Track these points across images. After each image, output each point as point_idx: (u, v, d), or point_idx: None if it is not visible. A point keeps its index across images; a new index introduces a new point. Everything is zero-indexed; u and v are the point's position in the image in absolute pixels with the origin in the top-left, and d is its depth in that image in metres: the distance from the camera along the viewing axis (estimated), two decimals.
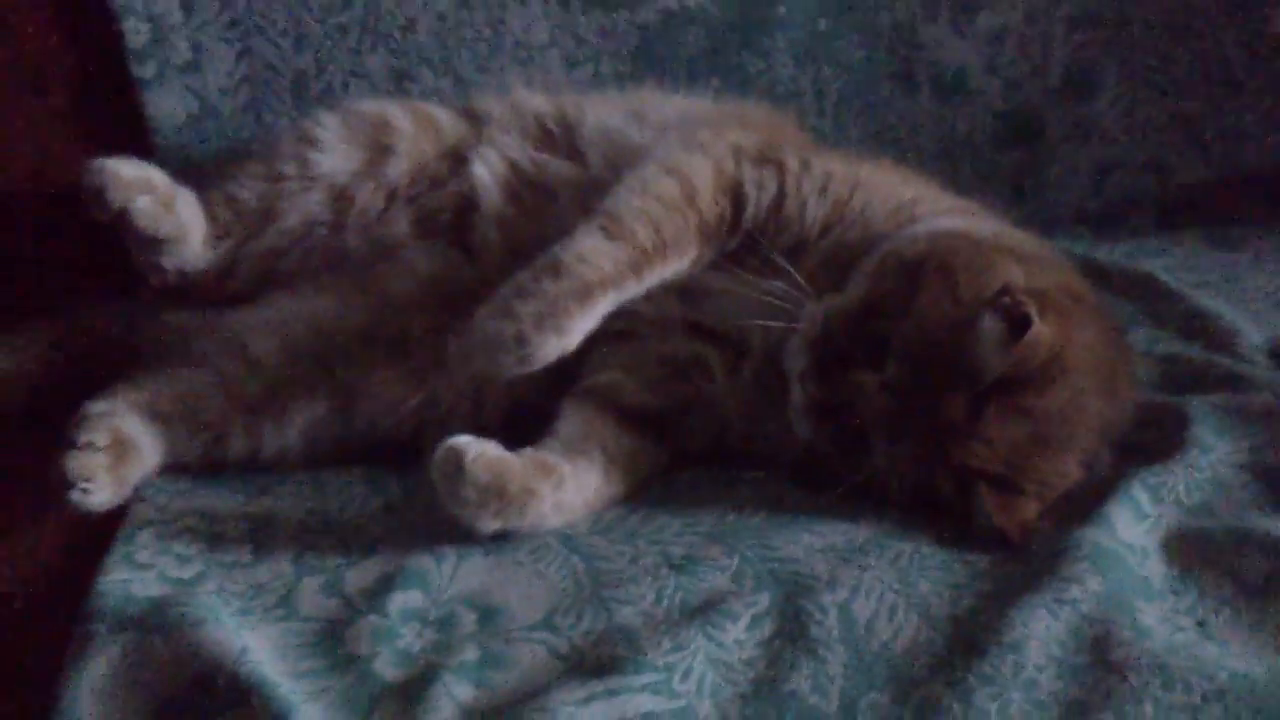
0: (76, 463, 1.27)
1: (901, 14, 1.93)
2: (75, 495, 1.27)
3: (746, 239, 1.38)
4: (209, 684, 1.05)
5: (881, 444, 1.24)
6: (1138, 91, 2.01)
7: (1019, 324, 1.19)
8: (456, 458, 1.19)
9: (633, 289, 1.32)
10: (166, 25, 1.68)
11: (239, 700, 1.03)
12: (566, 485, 1.26)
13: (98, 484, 1.28)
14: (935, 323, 1.22)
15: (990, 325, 1.20)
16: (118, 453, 1.32)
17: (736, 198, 1.39)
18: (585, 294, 1.27)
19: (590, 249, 1.29)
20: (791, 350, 1.29)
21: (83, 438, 1.30)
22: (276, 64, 1.74)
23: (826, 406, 1.26)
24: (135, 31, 1.67)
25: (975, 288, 1.24)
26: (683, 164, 1.38)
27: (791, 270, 1.31)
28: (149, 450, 1.37)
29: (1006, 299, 1.22)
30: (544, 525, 1.24)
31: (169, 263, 1.47)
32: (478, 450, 1.19)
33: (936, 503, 1.24)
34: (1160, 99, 2.02)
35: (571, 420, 1.35)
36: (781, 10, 1.88)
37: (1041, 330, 1.20)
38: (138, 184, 1.42)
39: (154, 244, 1.45)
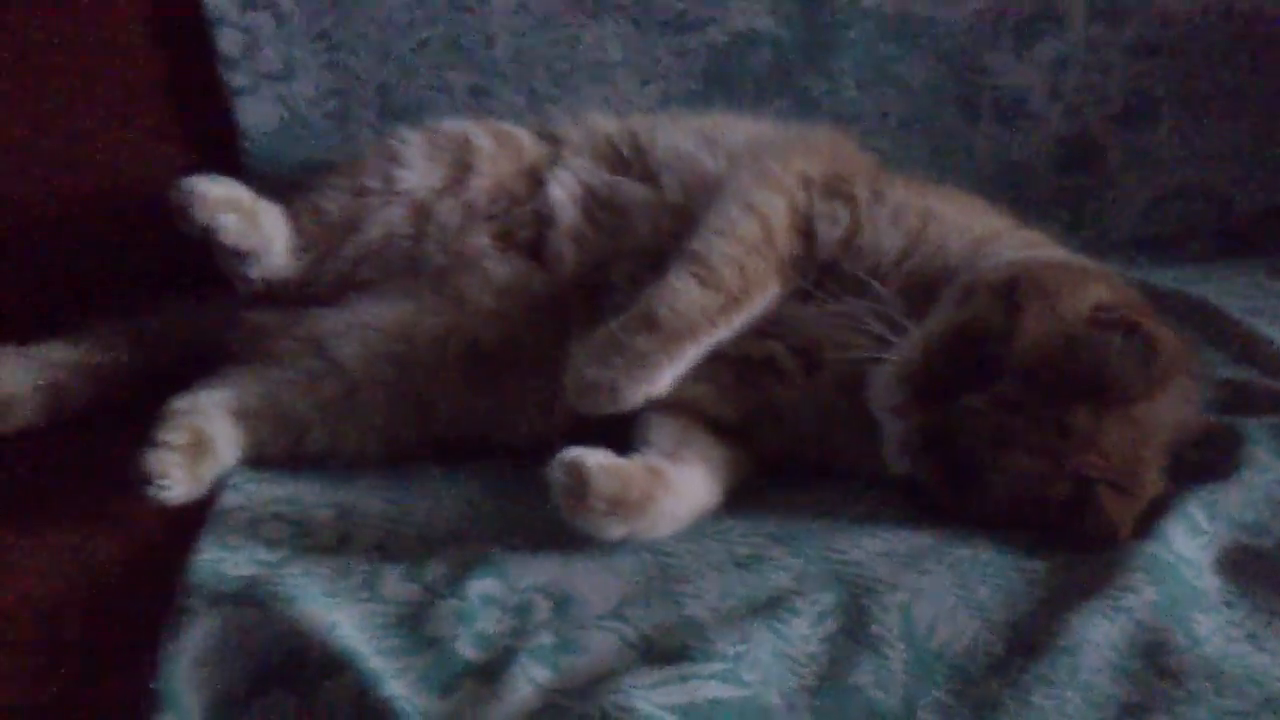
0: (154, 459, 1.32)
1: (964, 40, 1.94)
2: (152, 490, 1.31)
3: (825, 267, 1.41)
4: (303, 655, 1.09)
5: (996, 461, 1.24)
6: (1198, 120, 2.00)
7: (1135, 335, 1.23)
8: (579, 469, 1.21)
9: (721, 335, 1.36)
10: (258, 35, 1.72)
11: (333, 670, 1.07)
12: (676, 492, 1.28)
13: (173, 480, 1.32)
14: (1047, 340, 1.25)
15: (1114, 339, 1.23)
16: (194, 451, 1.36)
17: (809, 233, 1.42)
18: (676, 347, 1.32)
19: (683, 299, 1.33)
20: (883, 384, 1.30)
21: (161, 436, 1.35)
22: (362, 76, 1.78)
23: (928, 436, 1.27)
24: (229, 41, 1.71)
25: (1073, 305, 1.27)
26: (760, 202, 1.41)
27: (883, 291, 1.33)
28: (226, 448, 1.42)
29: (1109, 314, 1.27)
30: (657, 532, 1.26)
31: (254, 273, 1.51)
32: (598, 460, 1.22)
33: (1043, 514, 1.26)
34: (1220, 127, 2.01)
35: (663, 430, 1.37)
36: (848, 34, 1.90)
37: (1168, 339, 1.24)
38: (222, 202, 1.46)
39: (239, 256, 1.48)
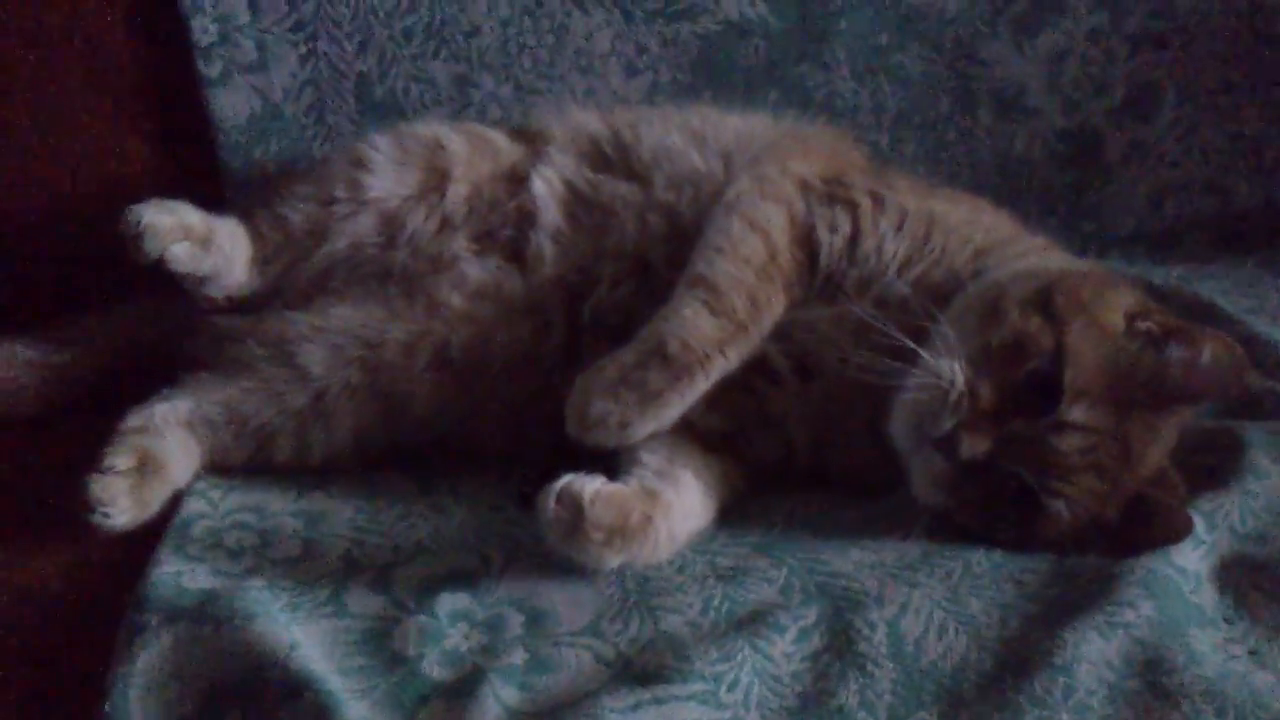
0: (98, 486, 1.30)
1: (963, 30, 1.92)
2: (97, 518, 1.29)
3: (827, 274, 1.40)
4: (261, 676, 1.07)
5: (1056, 488, 1.22)
6: (1199, 113, 1.98)
7: (1184, 342, 1.24)
8: (574, 500, 1.18)
9: (732, 364, 1.33)
10: (233, 25, 1.69)
11: (291, 693, 1.06)
12: (674, 513, 1.25)
13: (118, 508, 1.30)
14: (1101, 357, 1.24)
15: (1171, 349, 1.24)
16: (142, 474, 1.34)
17: (810, 245, 1.40)
18: (689, 382, 1.30)
19: (693, 331, 1.30)
20: (920, 413, 1.25)
21: (107, 460, 1.33)
22: (340, 66, 1.75)
23: (972, 468, 1.23)
24: (203, 30, 1.68)
25: (1110, 317, 1.27)
26: (760, 218, 1.39)
27: (886, 323, 1.29)
28: (179, 467, 1.39)
29: (1143, 321, 1.27)
30: (657, 557, 1.22)
31: (216, 292, 1.49)
32: (594, 488, 1.19)
33: (1100, 533, 1.24)
34: (1221, 122, 2.00)
35: (653, 447, 1.33)
36: (842, 24, 1.88)
37: (1215, 340, 1.25)
38: (172, 231, 1.43)
39: (197, 280, 1.47)
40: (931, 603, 1.16)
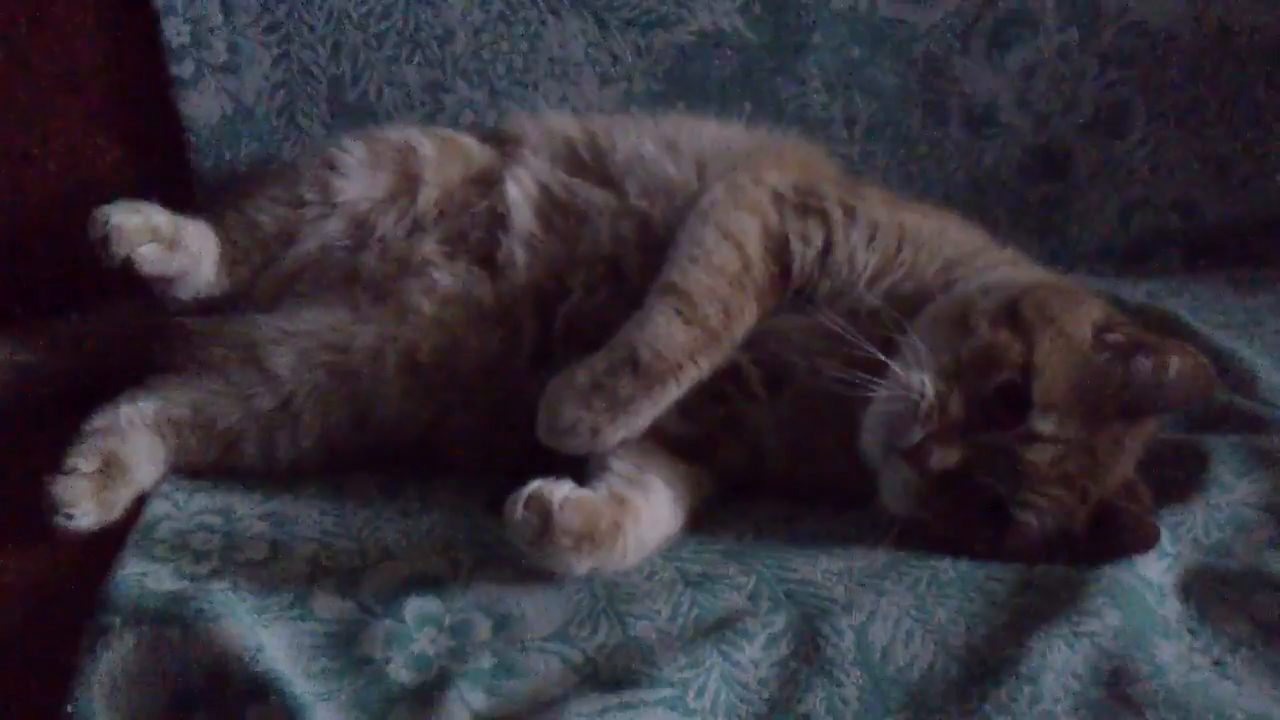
0: (62, 487, 1.32)
1: (935, 45, 1.95)
2: (60, 520, 1.31)
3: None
4: (225, 678, 1.08)
5: (1025, 498, 1.23)
6: (1167, 131, 2.02)
7: (1151, 354, 1.26)
8: (543, 505, 1.18)
9: (704, 373, 1.35)
10: (206, 26, 1.72)
11: (256, 695, 1.07)
12: (643, 520, 1.26)
13: (82, 510, 1.32)
14: (1069, 369, 1.26)
15: (1140, 361, 1.26)
16: (105, 476, 1.36)
17: (783, 256, 1.42)
18: (660, 390, 1.32)
19: (665, 339, 1.32)
20: (891, 426, 1.27)
21: (70, 461, 1.35)
22: (313, 69, 1.77)
23: (943, 478, 1.25)
24: (175, 31, 1.70)
25: (1078, 329, 1.29)
26: (734, 227, 1.41)
27: (856, 334, 1.30)
28: (144, 470, 1.41)
29: (1111, 334, 1.29)
30: (626, 564, 1.23)
31: (183, 294, 1.51)
32: (562, 494, 1.20)
33: (1068, 543, 1.26)
34: (1189, 139, 2.03)
35: (623, 453, 1.34)
36: (816, 38, 1.91)
37: (1196, 358, 1.27)
38: (140, 232, 1.44)
39: (165, 282, 1.48)
40: (899, 610, 1.17)
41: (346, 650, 1.13)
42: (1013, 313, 1.29)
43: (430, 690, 1.09)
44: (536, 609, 1.18)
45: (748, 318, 1.38)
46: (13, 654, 1.18)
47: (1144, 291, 1.88)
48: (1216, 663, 1.16)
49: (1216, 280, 1.97)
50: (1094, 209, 2.03)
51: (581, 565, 1.19)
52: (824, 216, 1.43)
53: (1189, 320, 1.73)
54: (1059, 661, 1.11)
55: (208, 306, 1.53)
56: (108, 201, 1.46)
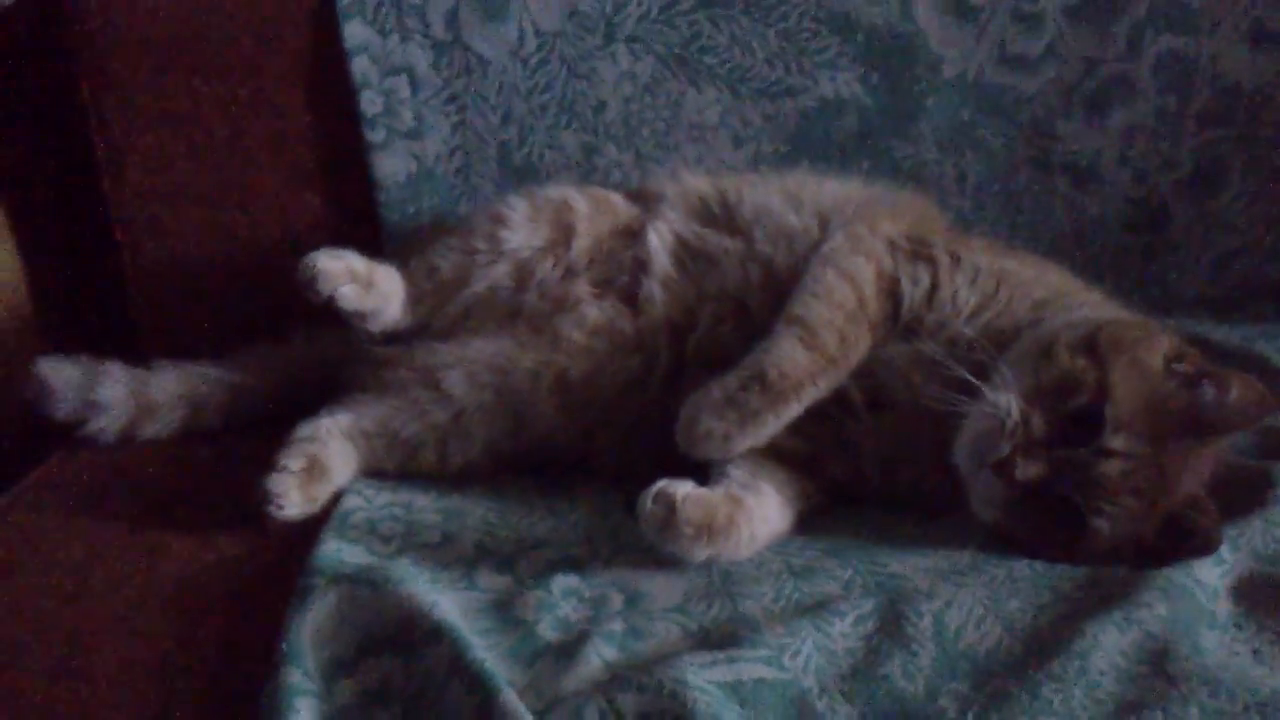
0: (273, 483, 1.48)
1: (1039, 109, 2.00)
2: (271, 509, 1.47)
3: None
4: (408, 625, 1.23)
5: (1100, 508, 1.33)
6: (1262, 186, 2.06)
7: (1215, 381, 1.36)
8: (668, 499, 1.32)
9: (821, 393, 1.46)
10: (396, 98, 1.87)
11: (433, 639, 1.21)
12: (755, 517, 1.37)
13: (290, 501, 1.48)
14: (1139, 393, 1.35)
15: (1204, 387, 1.35)
16: (309, 475, 1.50)
17: (894, 295, 1.52)
18: (784, 405, 1.44)
19: (789, 362, 1.44)
20: (980, 442, 1.36)
21: (282, 461, 1.50)
22: (485, 135, 1.91)
23: (1026, 489, 1.34)
24: (370, 102, 1.86)
25: (1150, 358, 1.37)
26: (851, 269, 1.51)
27: (970, 336, 1.43)
28: (340, 471, 1.55)
29: (1181, 364, 1.38)
30: (739, 555, 1.36)
31: (374, 327, 1.63)
32: (685, 491, 1.33)
33: (1139, 548, 1.35)
34: None
35: (740, 463, 1.45)
36: (929, 102, 1.98)
37: (1243, 381, 1.36)
38: (341, 274, 1.57)
39: (360, 317, 1.61)
40: (974, 599, 1.27)
41: (504, 614, 1.27)
42: (1091, 344, 1.38)
43: (572, 645, 1.22)
44: (661, 587, 1.31)
45: (861, 347, 1.49)
46: (236, 609, 1.35)
47: (1239, 336, 1.92)
48: (1255, 651, 1.23)
49: None
50: (1191, 259, 2.07)
51: (701, 552, 1.33)
52: (932, 261, 1.53)
53: (1274, 360, 1.78)
54: (1109, 642, 1.20)
55: (393, 337, 1.66)
56: (310, 247, 1.60)
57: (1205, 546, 1.35)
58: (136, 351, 1.80)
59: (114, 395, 1.71)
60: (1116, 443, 1.33)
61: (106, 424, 1.71)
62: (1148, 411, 1.35)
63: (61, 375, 1.70)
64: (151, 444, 1.73)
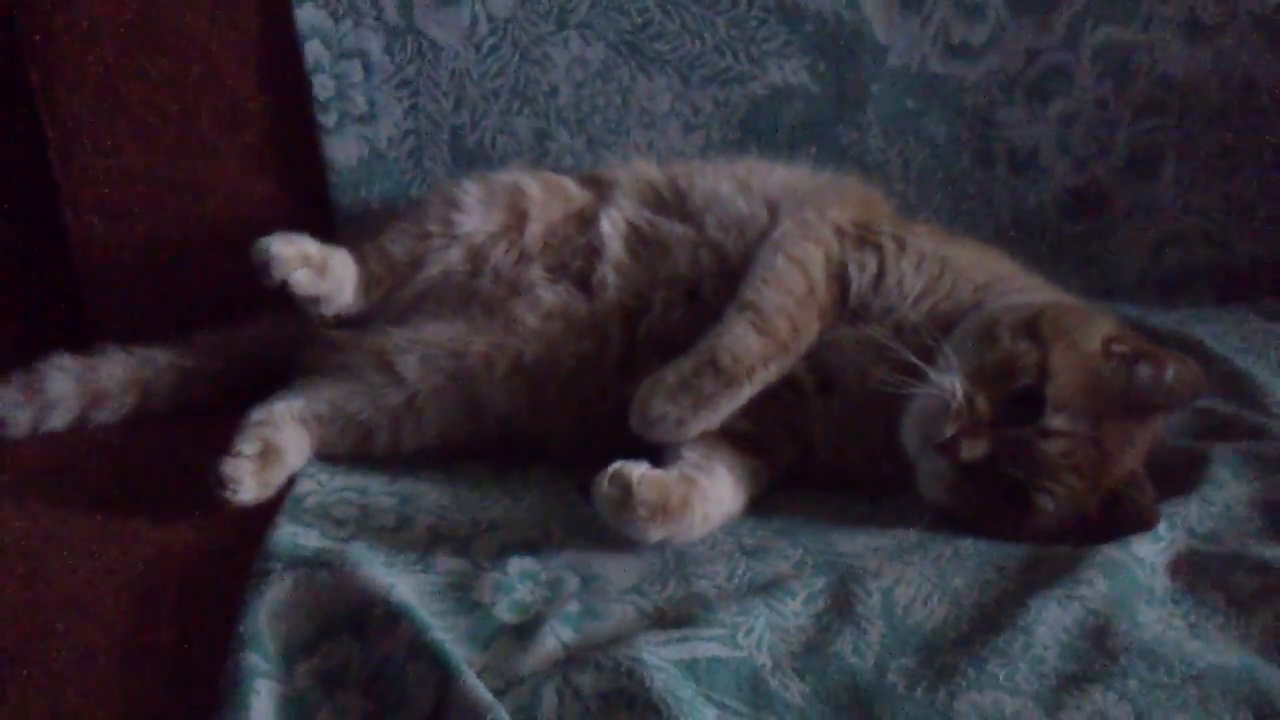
0: (228, 467, 1.48)
1: (981, 98, 2.04)
2: (226, 494, 1.47)
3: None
4: (367, 608, 1.24)
5: (1043, 485, 1.37)
6: (1196, 173, 2.11)
7: (1152, 361, 1.40)
8: (623, 481, 1.34)
9: (772, 376, 1.49)
10: (348, 82, 1.87)
11: (392, 621, 1.22)
12: (708, 498, 1.40)
13: (245, 486, 1.48)
14: (1078, 374, 1.39)
15: (1139, 367, 1.39)
16: (264, 459, 1.51)
17: (843, 280, 1.55)
18: (736, 389, 1.46)
19: (741, 346, 1.47)
20: (925, 422, 1.40)
21: (236, 445, 1.50)
22: (438, 120, 1.91)
23: (970, 469, 1.38)
24: (322, 86, 1.86)
25: (1088, 341, 1.41)
26: (801, 255, 1.54)
27: (915, 319, 1.47)
28: (295, 455, 1.56)
29: (1119, 345, 1.41)
30: (693, 535, 1.38)
31: (328, 311, 1.64)
32: (640, 472, 1.35)
33: (1081, 524, 1.39)
34: (1217, 181, 2.11)
35: (693, 445, 1.47)
36: (874, 90, 2.01)
37: (1177, 361, 1.40)
38: (295, 259, 1.57)
39: (313, 301, 1.61)
40: (922, 577, 1.30)
41: (460, 596, 1.29)
42: (1032, 327, 1.42)
43: (528, 627, 1.24)
44: (616, 569, 1.33)
45: (811, 331, 1.52)
46: (192, 592, 1.35)
47: (1175, 319, 1.97)
48: (1191, 626, 1.27)
49: (1244, 311, 2.04)
50: (1128, 245, 2.11)
51: (655, 533, 1.35)
52: (878, 248, 1.56)
53: (1211, 344, 1.83)
54: (1051, 618, 1.24)
55: (346, 321, 1.67)
56: (261, 230, 1.59)
57: (1144, 523, 1.39)
58: (86, 336, 1.79)
59: (63, 389, 1.70)
60: (1058, 422, 1.37)
61: (57, 419, 1.71)
62: (1087, 391, 1.39)
63: (2, 401, 1.69)
64: (103, 428, 1.73)
